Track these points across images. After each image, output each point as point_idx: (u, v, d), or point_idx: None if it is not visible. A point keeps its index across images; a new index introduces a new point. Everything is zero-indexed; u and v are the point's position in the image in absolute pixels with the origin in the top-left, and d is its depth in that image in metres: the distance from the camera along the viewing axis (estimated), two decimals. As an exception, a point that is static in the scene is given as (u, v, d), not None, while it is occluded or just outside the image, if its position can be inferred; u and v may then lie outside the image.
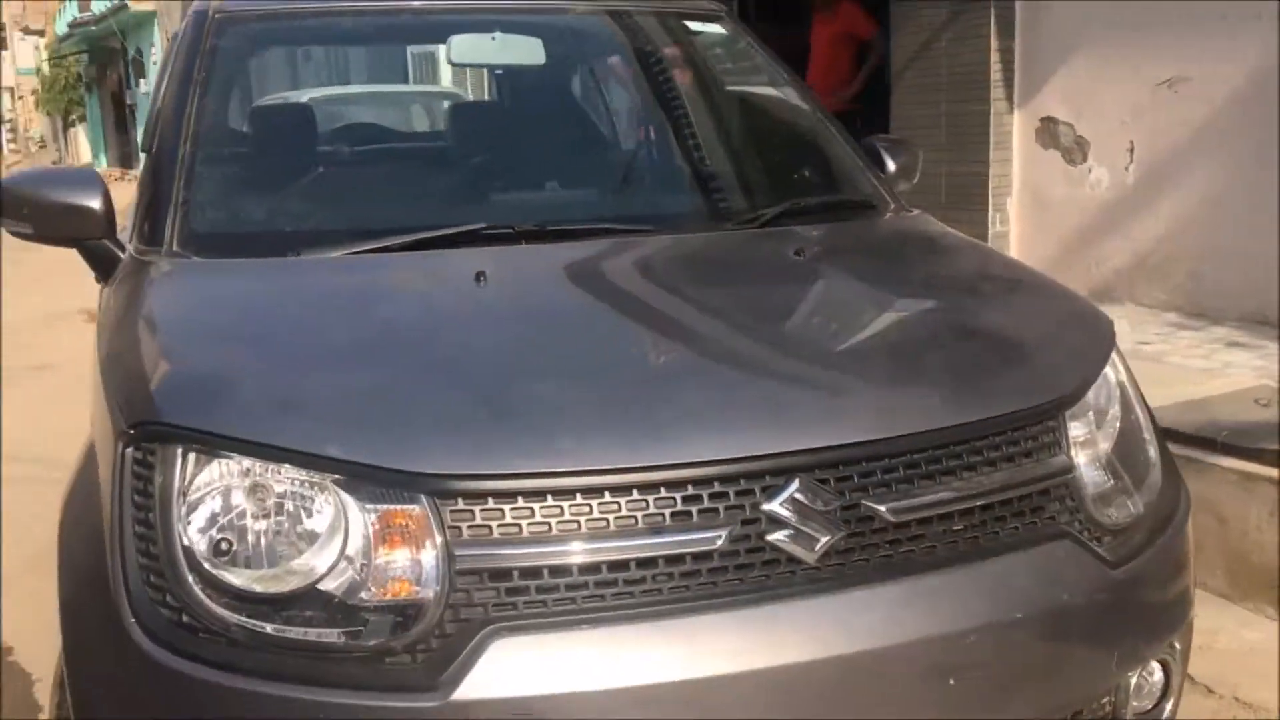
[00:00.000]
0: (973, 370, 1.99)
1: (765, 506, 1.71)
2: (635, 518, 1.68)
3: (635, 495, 1.68)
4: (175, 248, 2.36)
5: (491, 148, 3.15)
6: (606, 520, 1.67)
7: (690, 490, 1.69)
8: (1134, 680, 2.00)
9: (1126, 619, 1.93)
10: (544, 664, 1.60)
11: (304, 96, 6.56)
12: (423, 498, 1.65)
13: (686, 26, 3.42)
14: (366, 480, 1.67)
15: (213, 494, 1.69)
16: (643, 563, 1.67)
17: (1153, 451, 2.12)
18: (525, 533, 1.66)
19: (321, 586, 1.65)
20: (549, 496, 1.66)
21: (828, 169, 3.00)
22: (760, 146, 3.32)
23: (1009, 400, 1.92)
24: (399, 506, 1.66)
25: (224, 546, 1.66)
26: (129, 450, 1.75)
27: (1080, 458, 1.97)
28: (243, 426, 1.72)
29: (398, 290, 2.21)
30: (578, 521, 1.66)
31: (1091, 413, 2.03)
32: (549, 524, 1.66)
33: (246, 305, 2.17)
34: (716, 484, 1.70)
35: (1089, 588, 1.87)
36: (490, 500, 1.66)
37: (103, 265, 2.51)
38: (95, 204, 2.42)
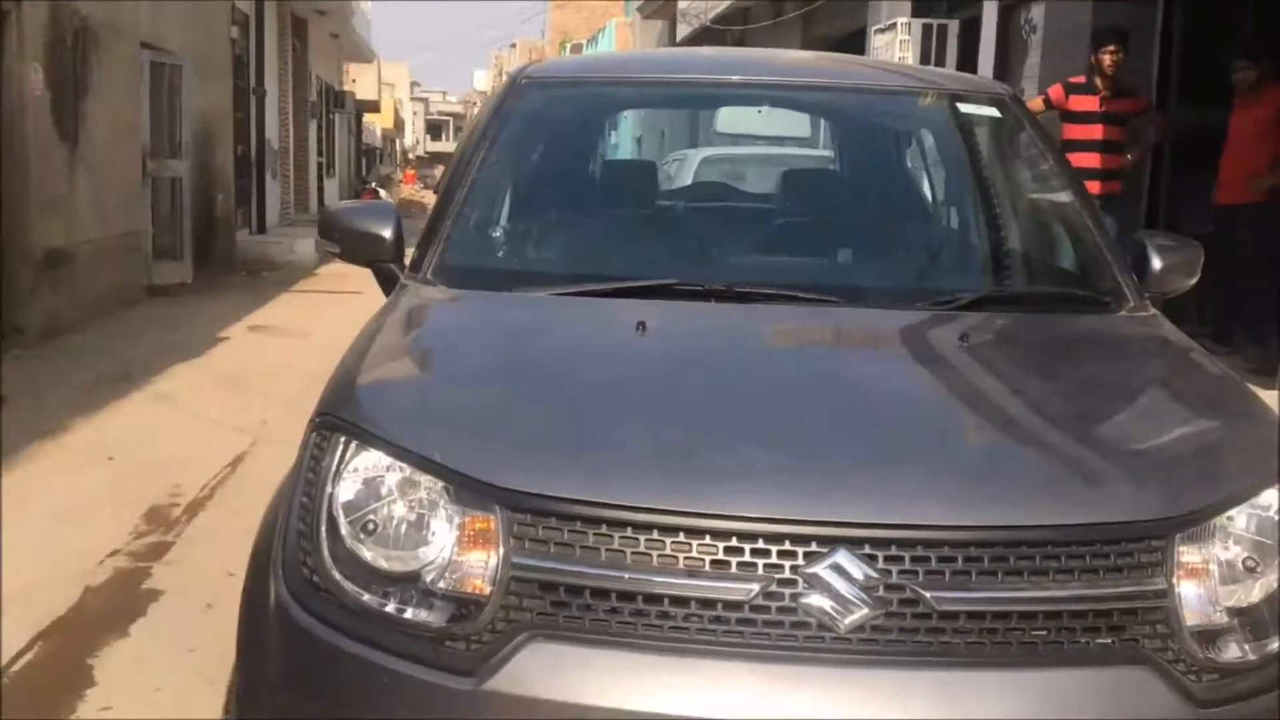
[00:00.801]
0: (1068, 473, 1.95)
1: (805, 570, 1.79)
2: (677, 558, 1.81)
3: (681, 538, 1.82)
4: (428, 276, 2.76)
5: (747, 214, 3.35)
6: (650, 556, 1.82)
7: (734, 542, 1.81)
8: None
9: None
10: (568, 673, 1.77)
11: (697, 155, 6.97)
12: (496, 508, 1.86)
13: (960, 109, 3.45)
14: (458, 485, 1.91)
15: (360, 479, 1.98)
16: (676, 600, 1.80)
17: None
18: (577, 553, 1.83)
19: (420, 572, 1.91)
20: (603, 525, 1.82)
21: (1065, 261, 2.95)
22: (1003, 232, 3.30)
23: (1098, 511, 1.88)
24: (479, 513, 1.89)
25: (369, 527, 1.95)
26: (313, 436, 2.10)
27: (1188, 585, 1.87)
28: (380, 426, 2.02)
29: (564, 329, 2.48)
30: (625, 552, 1.82)
31: (1222, 540, 1.92)
32: (599, 550, 1.82)
33: (440, 327, 2.54)
34: (761, 540, 1.81)
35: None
36: (553, 519, 1.84)
37: (388, 286, 2.96)
38: (386, 233, 2.87)
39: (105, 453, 5.87)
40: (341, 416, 2.07)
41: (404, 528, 1.93)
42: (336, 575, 1.93)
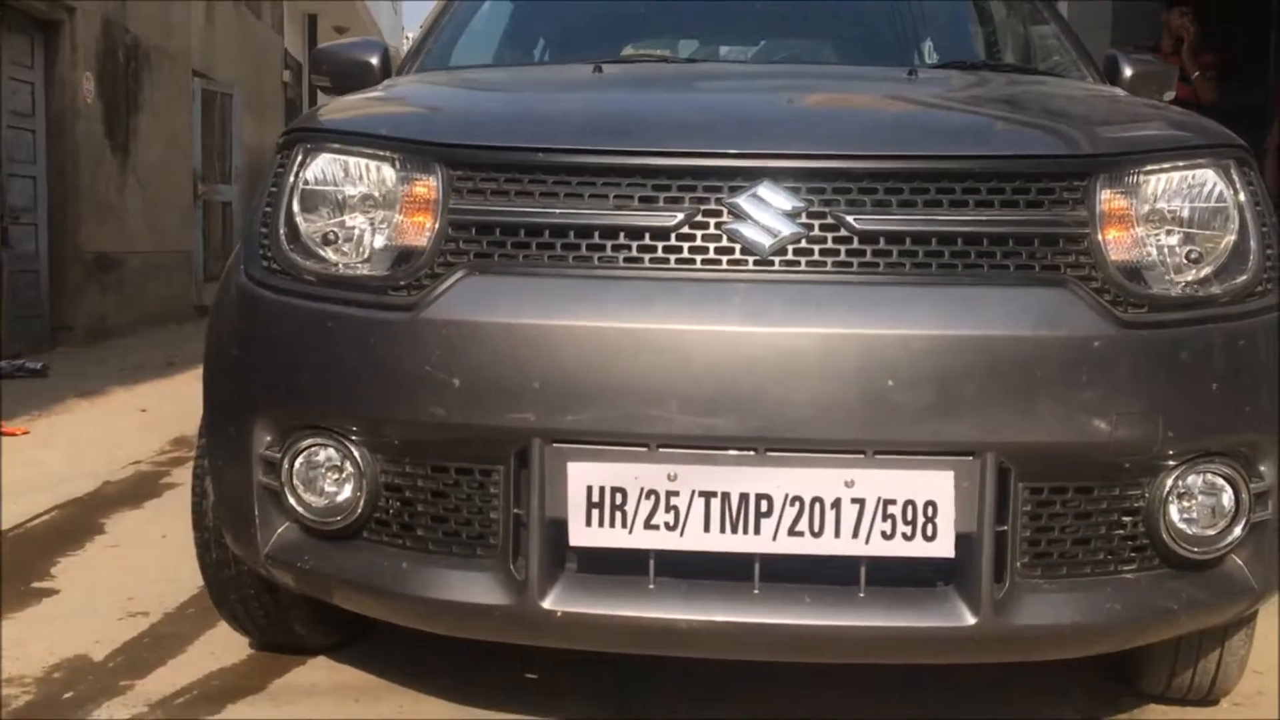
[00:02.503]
0: (993, 116, 2.00)
1: (729, 200, 1.85)
2: (608, 195, 1.88)
3: (612, 177, 1.89)
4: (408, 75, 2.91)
5: None
6: (582, 194, 1.89)
7: (662, 180, 1.88)
8: (1174, 484, 1.88)
9: (1136, 389, 1.82)
10: (500, 299, 1.84)
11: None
12: (437, 166, 1.95)
13: None
14: (403, 153, 2.00)
15: (315, 174, 2.05)
16: (605, 231, 1.87)
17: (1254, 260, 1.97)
18: (511, 197, 1.90)
19: (362, 235, 1.99)
20: (537, 171, 1.90)
21: (1038, 55, 3.03)
22: (991, 49, 3.37)
23: (1020, 146, 1.93)
24: (421, 175, 1.97)
25: (321, 212, 2.04)
26: (276, 156, 2.20)
27: (1113, 221, 1.90)
28: (335, 126, 2.13)
29: (524, 76, 2.62)
30: (558, 193, 1.89)
31: (1152, 199, 1.95)
32: (533, 192, 1.90)
33: (402, 84, 2.65)
34: (689, 177, 1.87)
35: (1080, 338, 1.80)
36: (489, 170, 1.92)
37: None
38: (374, 60, 2.99)
39: (139, 407, 6.03)
40: (300, 128, 2.17)
41: (355, 207, 2.02)
42: (291, 255, 2.01)
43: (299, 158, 2.08)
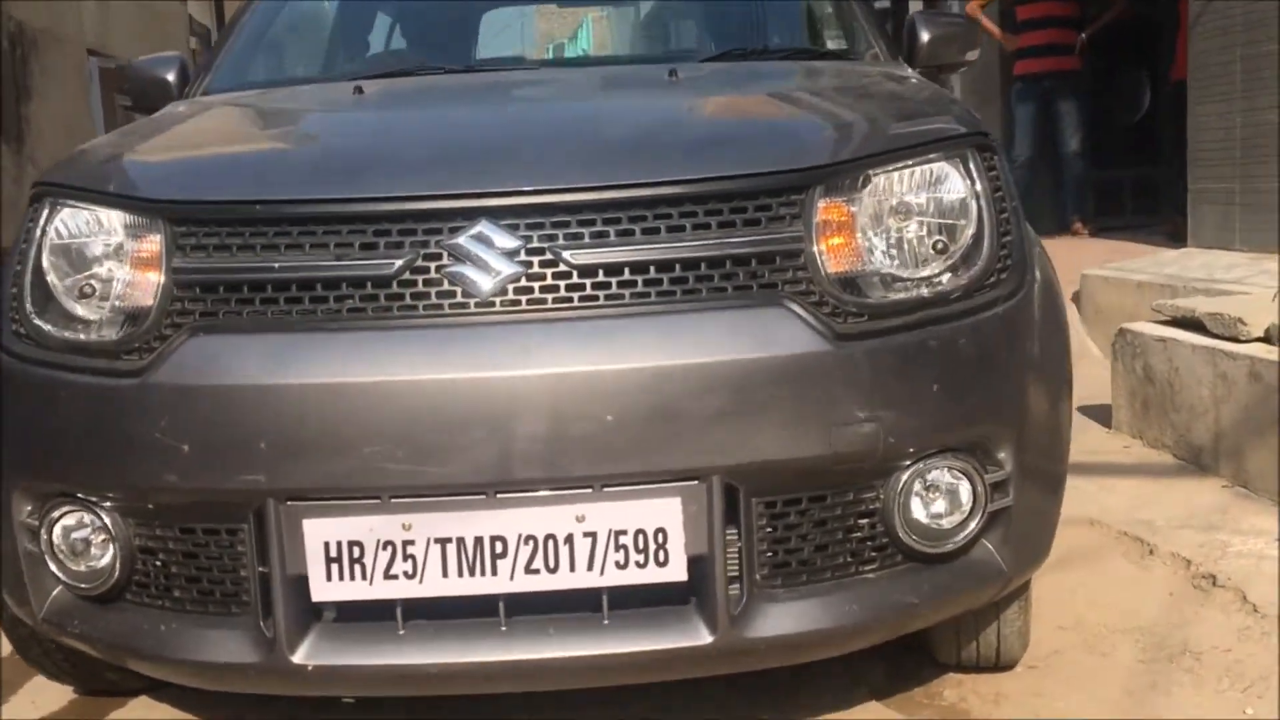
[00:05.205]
0: (704, 135, 2.00)
1: (448, 241, 1.85)
2: (328, 244, 1.88)
3: (332, 225, 1.88)
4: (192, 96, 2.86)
5: None
6: (303, 245, 1.88)
7: (382, 224, 1.87)
8: (907, 483, 1.92)
9: (853, 401, 1.85)
10: (226, 359, 1.84)
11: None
12: (160, 222, 1.94)
13: None
14: (130, 210, 1.98)
15: (57, 232, 2.03)
16: (327, 283, 1.86)
17: (986, 249, 1.99)
18: (233, 252, 1.90)
19: (105, 292, 1.97)
20: (256, 223, 1.89)
21: (821, 31, 3.01)
22: (778, 29, 3.35)
23: (731, 165, 1.92)
24: (148, 233, 1.96)
25: (63, 270, 2.02)
26: (28, 210, 2.16)
27: (829, 234, 1.92)
28: (74, 180, 2.10)
29: (283, 99, 2.61)
30: (279, 245, 1.88)
31: (876, 203, 1.96)
32: (254, 246, 1.89)
33: (157, 117, 2.61)
34: (409, 220, 1.87)
35: (793, 355, 1.83)
36: (210, 224, 1.91)
37: None
38: (170, 76, 2.95)
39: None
40: (44, 181, 2.14)
41: (91, 264, 2.00)
42: (35, 319, 2.00)
43: (45, 212, 2.06)
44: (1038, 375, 2.02)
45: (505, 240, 1.85)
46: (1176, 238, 6.42)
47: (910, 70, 2.82)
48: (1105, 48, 7.64)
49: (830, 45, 3.04)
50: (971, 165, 2.04)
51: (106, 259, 1.99)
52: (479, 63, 2.81)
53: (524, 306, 1.84)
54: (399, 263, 1.85)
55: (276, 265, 1.87)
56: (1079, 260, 6.40)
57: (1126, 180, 8.04)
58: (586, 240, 1.85)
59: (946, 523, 1.95)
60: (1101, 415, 4.22)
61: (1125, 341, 3.98)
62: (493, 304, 1.84)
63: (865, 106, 2.31)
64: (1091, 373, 4.92)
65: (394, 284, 1.85)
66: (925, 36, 2.96)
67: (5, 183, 9.07)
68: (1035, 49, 7.62)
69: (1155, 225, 7.17)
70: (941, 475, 1.94)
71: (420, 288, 1.85)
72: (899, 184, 1.99)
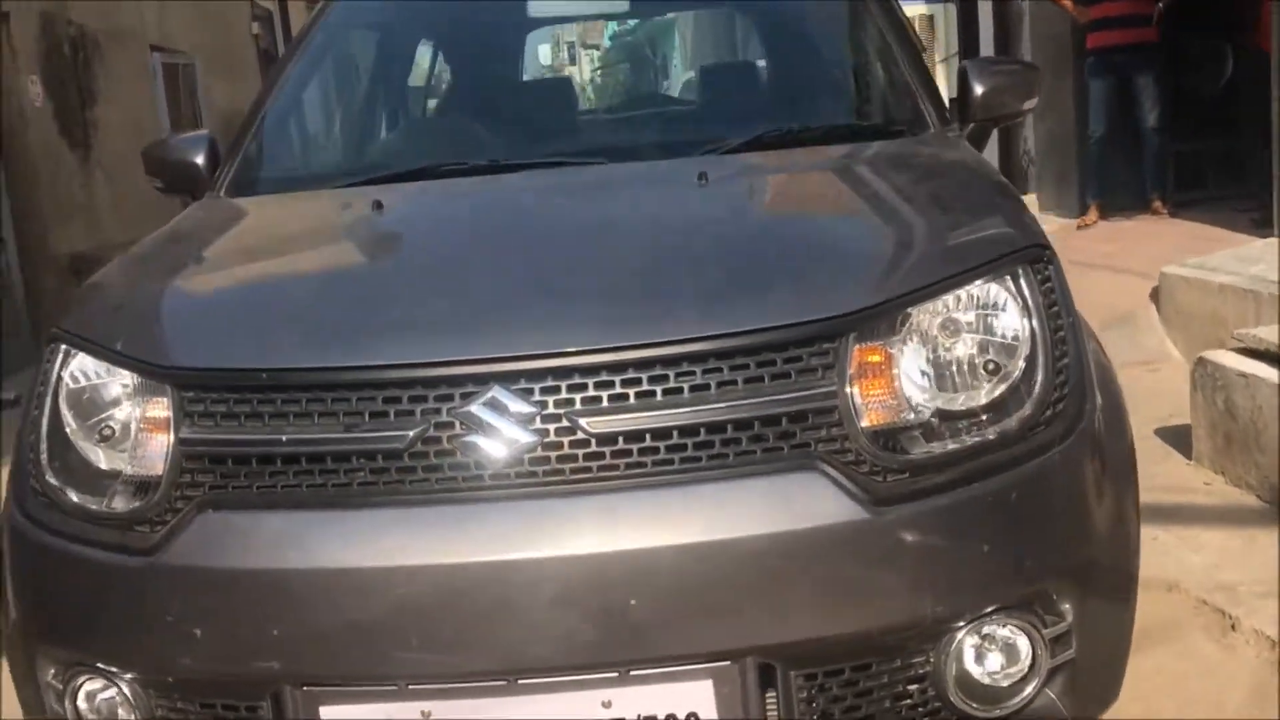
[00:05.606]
0: (729, 284, 1.86)
1: (460, 410, 1.75)
2: (337, 414, 1.79)
3: (340, 393, 1.79)
4: (219, 193, 2.78)
5: None
6: (312, 415, 1.80)
7: (391, 391, 1.78)
8: (959, 646, 1.80)
9: (896, 570, 1.73)
10: (235, 540, 1.77)
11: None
12: (169, 388, 1.87)
13: None
14: (139, 373, 1.91)
15: (71, 384, 1.97)
16: (337, 457, 1.78)
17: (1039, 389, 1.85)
18: (241, 422, 1.82)
19: (104, 465, 1.92)
20: (264, 390, 1.81)
21: (864, 95, 2.83)
22: (797, 75, 3.17)
23: (758, 317, 1.78)
24: (156, 397, 1.89)
25: (77, 429, 1.97)
26: (44, 351, 2.12)
27: (864, 384, 1.78)
28: (85, 329, 2.03)
29: (296, 219, 2.50)
30: (287, 415, 1.80)
31: (920, 341, 1.83)
32: (263, 415, 1.81)
33: (171, 232, 2.54)
34: (419, 387, 1.77)
35: (829, 527, 1.71)
36: (218, 392, 1.83)
37: None
38: (199, 159, 2.87)
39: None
40: (59, 327, 2.08)
41: (103, 424, 1.95)
42: (50, 478, 1.95)
43: (59, 357, 2.01)
44: (1101, 519, 1.88)
45: (519, 406, 1.75)
46: (1262, 223, 6.13)
47: (961, 143, 2.63)
48: (1184, 15, 7.25)
49: (874, 106, 2.85)
50: (1023, 283, 1.90)
51: (123, 401, 1.94)
52: (503, 162, 2.63)
53: (540, 478, 1.74)
54: (411, 433, 1.76)
55: (284, 437, 1.80)
56: (1159, 250, 6.15)
57: (1208, 152, 7.67)
58: (604, 405, 1.75)
59: (1004, 679, 1.83)
60: (1181, 440, 4.02)
61: (1205, 372, 3.78)
62: (508, 475, 1.74)
63: (906, 222, 2.15)
64: (1172, 381, 4.72)
65: (405, 456, 1.76)
66: (980, 90, 2.77)
67: (74, 189, 9.15)
68: (1110, 20, 7.27)
69: (1239, 200, 6.84)
70: (997, 635, 1.81)
71: (432, 460, 1.76)
72: (942, 312, 1.85)
